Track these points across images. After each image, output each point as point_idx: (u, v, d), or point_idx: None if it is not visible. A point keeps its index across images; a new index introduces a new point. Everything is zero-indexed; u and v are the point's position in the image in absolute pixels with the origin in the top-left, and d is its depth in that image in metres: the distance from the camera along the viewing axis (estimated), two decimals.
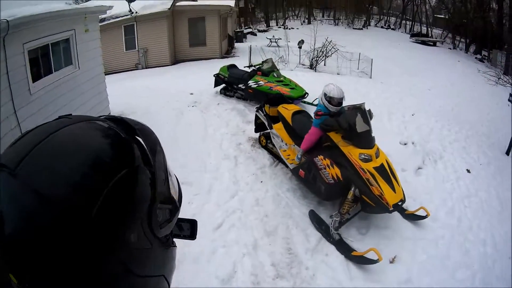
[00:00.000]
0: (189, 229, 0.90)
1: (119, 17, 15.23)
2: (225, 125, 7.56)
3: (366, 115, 4.58)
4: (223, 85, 9.38)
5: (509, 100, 8.64)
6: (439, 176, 6.30)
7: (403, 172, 5.91)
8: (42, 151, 0.53)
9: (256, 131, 6.54)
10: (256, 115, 6.40)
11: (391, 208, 4.18)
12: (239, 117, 8.00)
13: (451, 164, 6.81)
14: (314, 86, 9.24)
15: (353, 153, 4.44)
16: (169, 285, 0.70)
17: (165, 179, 0.66)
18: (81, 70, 6.63)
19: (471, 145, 7.94)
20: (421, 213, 4.89)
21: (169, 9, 15.34)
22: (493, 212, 5.64)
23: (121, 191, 0.54)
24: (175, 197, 0.70)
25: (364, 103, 4.74)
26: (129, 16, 15.30)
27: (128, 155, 0.59)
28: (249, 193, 5.16)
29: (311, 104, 8.56)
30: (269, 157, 6.20)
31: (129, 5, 15.12)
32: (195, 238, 0.90)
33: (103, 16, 13.92)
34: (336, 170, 4.49)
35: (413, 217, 4.93)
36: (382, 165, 4.44)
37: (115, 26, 15.29)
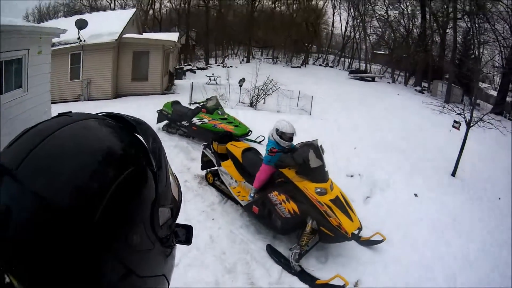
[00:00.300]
0: (184, 234, 0.92)
1: (67, 44, 15.12)
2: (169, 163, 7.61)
3: (319, 151, 5.05)
4: (166, 121, 9.61)
5: (453, 126, 9.72)
6: (387, 203, 6.86)
7: (352, 202, 6.34)
8: (43, 151, 0.54)
9: (202, 168, 6.78)
10: (203, 152, 6.67)
11: (350, 236, 4.62)
12: (183, 154, 8.20)
13: (398, 190, 7.44)
14: (255, 124, 9.85)
15: (309, 187, 4.83)
16: (168, 284, 0.73)
17: (166, 178, 0.67)
18: (30, 95, 6.49)
19: (416, 171, 8.75)
20: (376, 238, 5.38)
21: (116, 40, 15.61)
22: (447, 228, 6.30)
23: (124, 194, 0.55)
24: (176, 196, 0.73)
25: (317, 139, 5.25)
26: (77, 44, 15.26)
27: (131, 156, 0.61)
28: (202, 231, 5.27)
29: (255, 141, 9.04)
30: (217, 194, 6.42)
31: (79, 32, 15.10)
32: (191, 243, 0.93)
33: (54, 40, 13.85)
34: (292, 205, 4.83)
35: (369, 243, 5.39)
36: (337, 197, 4.89)
37: (63, 53, 15.08)
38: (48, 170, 0.52)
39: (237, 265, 4.70)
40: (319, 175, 4.95)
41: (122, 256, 0.56)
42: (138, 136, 0.67)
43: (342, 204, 4.84)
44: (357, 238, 5.28)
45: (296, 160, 4.97)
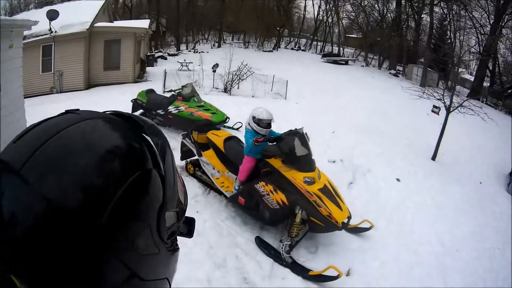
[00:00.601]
0: (186, 226, 0.89)
1: (39, 36, 14.67)
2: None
3: (305, 139, 4.88)
4: (141, 110, 9.20)
5: (432, 111, 9.78)
6: (370, 188, 6.88)
7: None
8: (49, 151, 0.52)
9: (182, 158, 6.52)
10: (182, 142, 6.40)
11: (340, 226, 4.51)
12: None
13: (380, 175, 7.44)
14: (231, 110, 9.65)
15: (297, 177, 4.68)
16: (170, 286, 0.72)
17: (174, 181, 0.66)
18: (1, 92, 6.05)
19: (396, 155, 8.76)
20: (364, 225, 5.32)
21: (87, 29, 15.22)
22: (431, 213, 6.34)
23: (131, 198, 0.54)
24: (182, 199, 0.72)
25: (302, 127, 5.06)
26: (48, 36, 14.82)
27: (139, 158, 0.59)
28: None
29: (232, 128, 8.83)
30: (199, 185, 6.16)
31: (50, 24, 14.63)
32: (192, 236, 0.91)
33: (25, 32, 13.43)
34: (280, 195, 4.66)
35: (357, 230, 5.33)
36: (325, 185, 4.77)
37: (34, 45, 14.66)
38: (55, 171, 0.51)
39: (227, 259, 4.51)
40: (306, 164, 4.81)
41: (127, 259, 0.55)
42: (146, 137, 0.64)
43: (330, 193, 4.73)
44: (345, 226, 5.17)
45: (282, 149, 4.81)
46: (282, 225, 4.99)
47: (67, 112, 0.62)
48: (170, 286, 0.72)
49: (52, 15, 14.65)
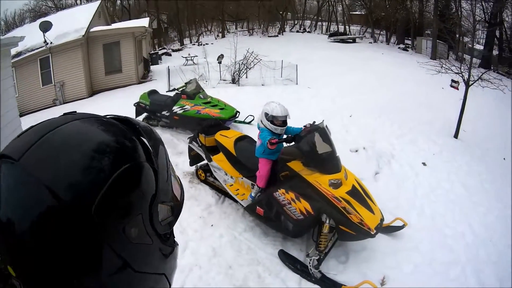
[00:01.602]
0: None
1: (34, 49, 14.59)
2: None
3: (327, 134, 4.25)
4: (145, 114, 8.71)
5: (451, 86, 9.18)
6: (397, 177, 6.36)
7: (362, 181, 5.80)
8: (46, 143, 0.56)
9: (191, 164, 5.99)
10: (189, 146, 5.85)
11: (374, 232, 3.93)
12: (168, 149, 7.33)
13: (405, 161, 6.94)
14: (240, 102, 9.14)
15: (321, 181, 4.07)
16: (170, 285, 0.73)
17: (168, 178, 0.69)
18: None
19: (418, 136, 8.25)
20: (397, 223, 4.81)
21: (83, 36, 14.94)
22: (461, 200, 5.85)
23: (123, 186, 0.57)
24: (177, 196, 0.74)
25: (323, 120, 4.43)
26: (44, 48, 14.65)
27: (131, 151, 0.61)
28: (201, 241, 4.57)
29: (244, 122, 8.34)
30: (212, 193, 5.63)
31: (44, 35, 14.48)
32: None
33: (19, 49, 13.70)
34: (304, 204, 4.09)
35: (389, 230, 4.78)
36: (353, 186, 4.16)
37: (31, 60, 14.64)
38: (50, 161, 0.54)
39: (248, 280, 4.03)
40: (330, 163, 4.17)
41: (119, 247, 0.56)
42: (141, 137, 0.68)
43: (360, 194, 4.12)
44: (378, 231, 4.63)
45: (302, 149, 4.20)
46: (308, 233, 4.45)
47: (65, 114, 0.66)
48: (170, 284, 0.73)
49: (46, 27, 14.59)
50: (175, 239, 0.76)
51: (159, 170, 0.65)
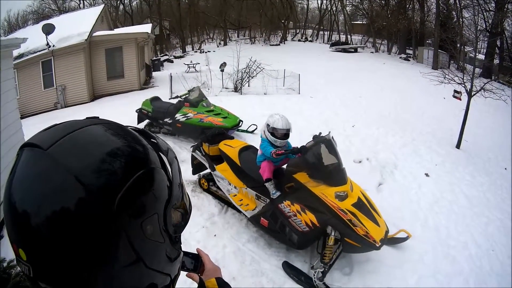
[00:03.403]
0: (193, 263, 1.06)
1: (36, 52, 14.58)
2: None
3: (333, 146, 4.25)
4: (147, 120, 8.67)
5: (453, 96, 9.17)
6: (401, 188, 6.35)
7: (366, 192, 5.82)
8: (74, 139, 0.59)
9: (194, 173, 5.92)
10: (192, 155, 5.80)
11: (379, 244, 3.90)
12: None
13: (408, 171, 6.93)
14: (243, 111, 9.11)
15: (327, 193, 4.05)
16: (173, 287, 0.76)
17: (180, 186, 0.74)
18: None
19: (420, 146, 8.26)
20: (401, 235, 4.76)
21: (86, 40, 14.95)
22: (464, 211, 5.87)
23: (144, 185, 0.61)
24: (187, 205, 0.80)
25: (329, 132, 4.42)
26: (46, 51, 14.64)
27: (153, 157, 0.66)
28: (205, 252, 4.54)
29: (247, 131, 8.28)
30: (215, 202, 5.56)
31: (47, 38, 14.45)
32: (198, 271, 1.06)
33: (22, 51, 13.72)
34: (310, 216, 4.06)
35: (393, 241, 4.74)
36: (359, 198, 4.14)
37: (33, 62, 14.69)
38: (78, 153, 0.57)
39: None
40: (337, 175, 4.16)
41: (135, 241, 0.59)
42: (158, 146, 0.71)
43: (365, 206, 4.10)
44: (383, 244, 4.59)
45: (309, 161, 4.18)
46: (312, 245, 4.41)
47: (87, 118, 0.70)
48: (173, 286, 0.76)
49: (48, 29, 14.54)
50: (181, 243, 0.80)
51: (173, 179, 0.70)
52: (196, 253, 1.06)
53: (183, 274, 0.95)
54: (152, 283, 0.67)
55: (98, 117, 0.71)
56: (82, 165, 0.55)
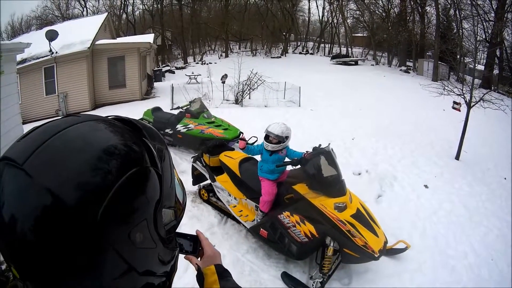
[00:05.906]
0: (191, 245, 1.02)
1: (39, 57, 14.64)
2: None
3: (332, 157, 4.28)
4: None
5: (453, 107, 9.25)
6: (400, 199, 6.38)
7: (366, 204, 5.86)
8: (51, 147, 0.56)
9: (194, 183, 5.93)
10: (193, 166, 5.84)
11: (378, 255, 3.94)
12: None
13: (407, 183, 6.98)
14: (243, 123, 9.19)
15: (326, 204, 4.09)
16: (170, 285, 0.75)
17: (171, 182, 0.70)
18: None
19: (419, 158, 8.31)
20: (400, 245, 4.78)
21: (88, 48, 15.03)
22: (463, 221, 5.90)
23: (128, 192, 0.57)
24: (180, 199, 0.75)
25: (329, 144, 4.47)
26: (49, 57, 14.69)
27: (137, 156, 0.61)
28: None
29: (247, 143, 8.31)
30: (215, 213, 5.60)
31: (50, 44, 14.49)
32: (197, 253, 1.03)
33: (24, 56, 13.71)
34: (309, 227, 4.11)
35: (392, 252, 4.75)
36: (358, 210, 4.17)
37: (35, 68, 14.74)
38: (55, 166, 0.54)
39: None
40: (336, 187, 4.19)
41: (124, 252, 0.57)
42: (145, 139, 0.67)
43: (364, 217, 4.14)
44: (382, 254, 4.61)
45: (308, 172, 4.23)
46: (311, 256, 4.44)
47: (68, 115, 0.65)
48: (170, 285, 0.76)
49: (52, 36, 14.56)
50: (176, 241, 0.77)
51: (163, 174, 0.65)
52: (195, 234, 1.02)
53: (181, 261, 0.93)
54: (148, 283, 0.65)
55: (79, 113, 0.66)
56: (59, 180, 0.52)
